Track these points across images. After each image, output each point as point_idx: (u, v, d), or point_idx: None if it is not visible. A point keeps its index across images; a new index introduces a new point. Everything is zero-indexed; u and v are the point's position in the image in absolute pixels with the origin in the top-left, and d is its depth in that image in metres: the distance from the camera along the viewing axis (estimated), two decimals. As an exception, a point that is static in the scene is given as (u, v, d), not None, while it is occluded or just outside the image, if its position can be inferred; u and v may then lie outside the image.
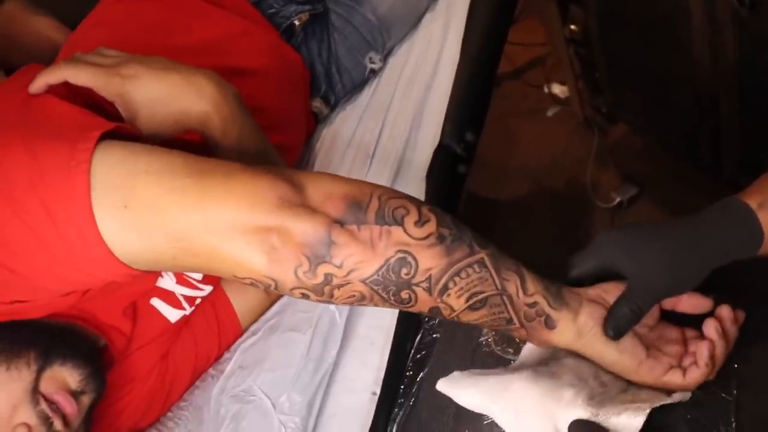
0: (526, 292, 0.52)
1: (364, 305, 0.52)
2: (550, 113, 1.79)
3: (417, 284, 0.50)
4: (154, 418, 0.72)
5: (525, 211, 1.67)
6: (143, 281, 0.68)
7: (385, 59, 1.05)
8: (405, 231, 0.49)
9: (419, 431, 0.66)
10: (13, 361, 0.58)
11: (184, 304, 0.72)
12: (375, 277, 0.49)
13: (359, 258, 0.49)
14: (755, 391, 0.54)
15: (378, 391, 0.67)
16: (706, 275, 0.52)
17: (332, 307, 0.68)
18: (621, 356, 0.53)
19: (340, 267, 0.49)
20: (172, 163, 0.51)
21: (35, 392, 0.57)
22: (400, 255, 0.49)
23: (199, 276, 0.72)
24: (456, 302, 0.51)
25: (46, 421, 0.57)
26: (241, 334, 0.75)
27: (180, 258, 0.51)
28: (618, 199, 1.50)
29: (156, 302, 0.71)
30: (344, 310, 0.69)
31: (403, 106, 0.96)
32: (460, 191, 0.90)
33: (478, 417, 0.64)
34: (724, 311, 0.52)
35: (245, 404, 0.64)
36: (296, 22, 0.94)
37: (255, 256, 0.49)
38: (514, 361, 0.66)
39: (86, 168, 0.48)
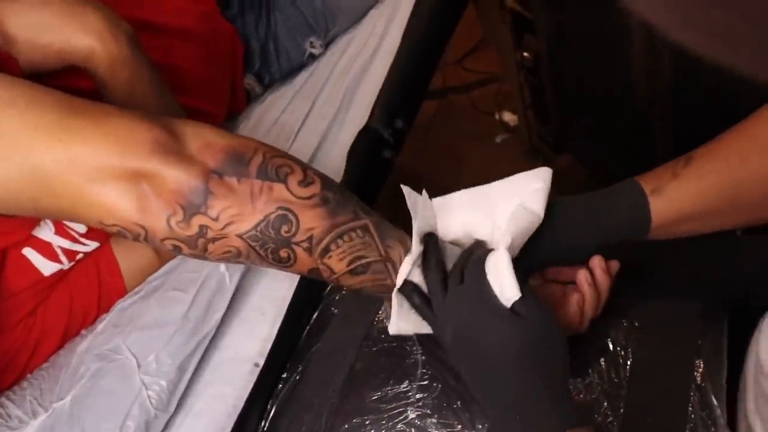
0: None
1: (241, 263, 0.50)
2: (498, 140, 1.80)
3: (297, 243, 0.48)
4: (12, 380, 0.65)
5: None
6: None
7: (326, 47, 1.03)
8: (288, 188, 0.47)
9: (300, 408, 0.61)
10: None
11: (62, 257, 0.65)
12: (253, 232, 0.47)
13: (237, 211, 0.46)
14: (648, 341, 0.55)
15: (261, 363, 0.61)
16: (593, 251, 0.52)
17: (222, 268, 0.63)
18: None
19: (216, 219, 0.46)
20: (42, 98, 0.48)
21: None
22: (281, 212, 0.47)
23: (82, 229, 0.66)
24: (337, 265, 0.49)
25: None
26: (123, 295, 0.68)
27: (41, 200, 0.47)
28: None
29: (29, 252, 0.64)
30: (236, 274, 0.64)
31: (335, 88, 0.93)
32: (385, 176, 0.87)
33: (364, 392, 0.59)
34: (595, 261, 0.52)
35: (108, 363, 0.58)
36: None
37: (124, 202, 0.46)
38: (412, 338, 0.62)
39: None
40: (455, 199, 0.52)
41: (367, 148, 0.84)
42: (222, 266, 0.63)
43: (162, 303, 0.62)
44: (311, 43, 1.00)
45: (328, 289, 0.70)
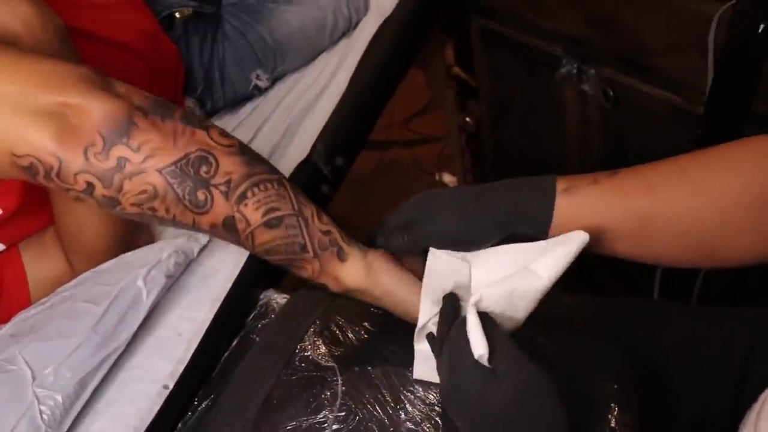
0: (321, 220, 0.52)
1: (155, 211, 0.48)
2: (436, 198, 1.84)
3: (215, 186, 0.48)
4: None
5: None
6: None
7: (273, 82, 1.04)
8: (209, 135, 0.49)
9: (209, 437, 0.57)
10: None
11: (-38, 254, 0.61)
12: (172, 168, 0.47)
13: (158, 145, 0.46)
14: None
15: (171, 386, 0.58)
16: (497, 237, 0.50)
17: (139, 281, 0.60)
18: (410, 297, 0.52)
19: (136, 151, 0.46)
20: None
21: None
22: (202, 153, 0.48)
23: (-10, 230, 0.62)
24: (253, 215, 0.49)
25: None
26: (27, 306, 0.63)
27: None
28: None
29: (-75, 245, 0.59)
30: (154, 290, 0.61)
31: (279, 120, 0.94)
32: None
33: (279, 421, 0.56)
34: None
35: (0, 373, 0.53)
36: (177, 15, 0.92)
37: (42, 129, 0.45)
38: (334, 368, 0.60)
39: None
40: (484, 256, 0.51)
41: (306, 181, 0.84)
42: (140, 280, 0.60)
43: (69, 313, 0.58)
44: (258, 75, 1.01)
45: (252, 316, 0.68)
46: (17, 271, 0.64)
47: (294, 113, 0.94)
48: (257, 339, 0.65)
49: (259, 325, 0.66)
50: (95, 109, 0.45)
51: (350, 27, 1.10)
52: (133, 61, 0.81)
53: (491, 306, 0.48)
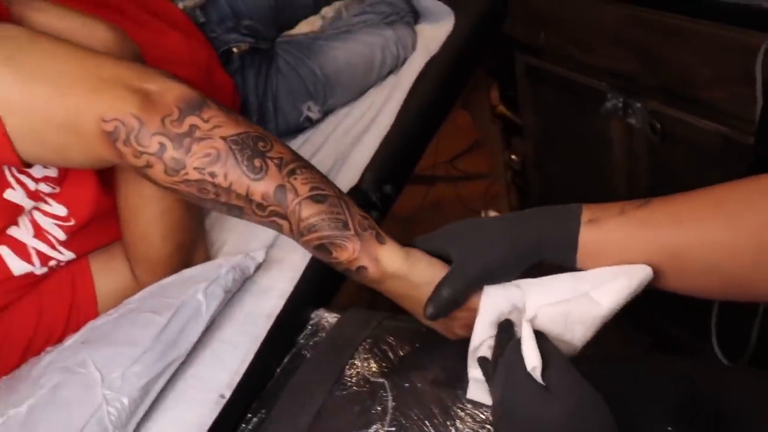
0: (359, 208, 0.57)
1: (215, 176, 0.54)
2: (481, 235, 1.84)
3: (270, 158, 0.55)
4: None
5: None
6: None
7: (324, 115, 1.08)
8: (263, 129, 0.57)
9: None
10: None
11: (35, 259, 0.65)
12: (235, 137, 0.54)
13: (224, 120, 0.55)
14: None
15: (227, 396, 0.60)
16: (523, 268, 0.50)
17: (200, 295, 0.63)
18: None
19: (206, 121, 0.54)
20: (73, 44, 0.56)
21: None
22: (259, 134, 0.55)
23: (61, 236, 0.66)
24: (301, 187, 0.55)
25: None
26: (95, 317, 0.67)
27: (55, 101, 0.53)
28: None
29: (1, 249, 0.64)
30: (212, 304, 0.64)
31: (329, 152, 0.97)
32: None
33: (329, 434, 0.57)
34: None
35: (71, 375, 0.56)
36: (234, 50, 0.98)
37: (129, 100, 0.53)
38: (384, 384, 0.61)
39: None
40: (538, 283, 0.52)
41: (356, 206, 0.86)
42: (200, 294, 0.63)
43: (135, 323, 0.61)
44: (309, 107, 1.05)
45: (303, 334, 0.70)
46: (86, 283, 0.68)
47: (343, 145, 0.97)
48: (308, 355, 0.67)
49: (311, 343, 0.68)
50: (174, 91, 0.54)
51: (398, 64, 1.14)
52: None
53: (546, 325, 0.49)
